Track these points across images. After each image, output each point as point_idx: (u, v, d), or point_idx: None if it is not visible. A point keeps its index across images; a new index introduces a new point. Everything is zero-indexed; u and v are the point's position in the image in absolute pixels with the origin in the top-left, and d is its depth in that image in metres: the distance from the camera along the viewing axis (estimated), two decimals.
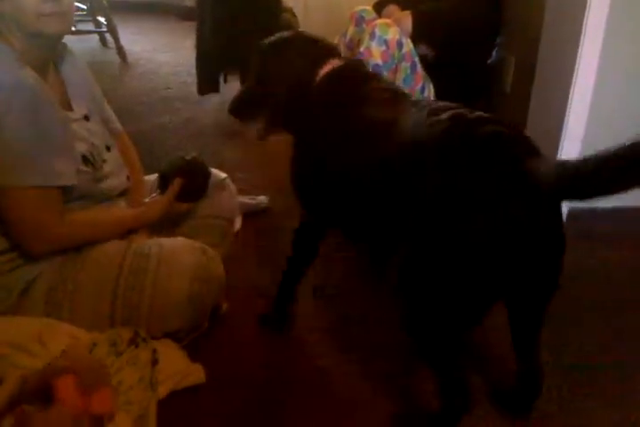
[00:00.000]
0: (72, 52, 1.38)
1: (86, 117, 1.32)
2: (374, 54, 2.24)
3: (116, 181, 1.40)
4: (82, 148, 1.27)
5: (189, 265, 1.29)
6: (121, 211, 1.42)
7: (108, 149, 1.38)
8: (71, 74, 1.35)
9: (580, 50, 1.69)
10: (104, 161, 1.33)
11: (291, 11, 3.00)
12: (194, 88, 2.91)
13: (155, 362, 1.12)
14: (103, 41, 4.15)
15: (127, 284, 1.26)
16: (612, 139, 1.86)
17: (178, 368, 1.23)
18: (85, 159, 1.27)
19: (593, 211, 1.92)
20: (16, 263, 1.25)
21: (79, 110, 1.32)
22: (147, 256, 1.28)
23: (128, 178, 1.46)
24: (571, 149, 1.80)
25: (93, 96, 1.42)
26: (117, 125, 1.54)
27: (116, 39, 3.78)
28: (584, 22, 1.65)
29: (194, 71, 2.86)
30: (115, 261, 1.28)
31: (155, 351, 1.13)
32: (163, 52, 4.04)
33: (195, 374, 1.26)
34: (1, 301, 1.24)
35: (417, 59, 2.33)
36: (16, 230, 1.21)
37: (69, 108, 1.30)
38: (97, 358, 1.08)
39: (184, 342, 1.34)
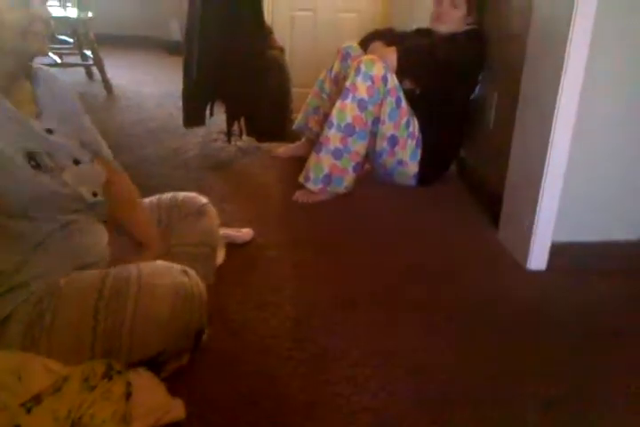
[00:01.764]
0: (56, 78, 1.40)
1: (49, 131, 1.30)
2: (360, 89, 2.28)
3: (84, 192, 1.35)
4: (31, 145, 1.24)
5: (170, 285, 1.26)
6: None
7: (77, 162, 1.34)
8: (45, 93, 1.35)
9: (560, 87, 1.72)
10: (62, 168, 1.29)
11: (280, 48, 3.05)
12: (180, 120, 2.92)
13: (129, 395, 1.09)
14: (89, 74, 4.18)
15: (108, 308, 1.22)
16: (594, 176, 1.91)
17: (158, 403, 1.19)
18: (31, 155, 1.23)
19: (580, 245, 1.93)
20: None
21: (45, 123, 1.31)
22: (126, 279, 1.26)
23: (95, 194, 1.41)
24: (553, 184, 1.82)
25: (69, 119, 1.40)
26: (110, 158, 1.54)
27: (102, 72, 3.81)
28: (565, 59, 1.69)
29: (180, 104, 2.88)
30: (94, 287, 1.25)
31: (129, 384, 1.10)
32: (149, 85, 4.07)
33: (175, 410, 1.23)
34: None
35: (401, 94, 2.37)
36: None
37: (36, 118, 1.30)
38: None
39: (167, 368, 1.31)
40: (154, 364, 1.29)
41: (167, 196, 1.67)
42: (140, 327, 1.23)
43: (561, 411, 1.35)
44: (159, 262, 1.36)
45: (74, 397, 1.06)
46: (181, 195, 1.67)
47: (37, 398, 1.04)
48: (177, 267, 1.33)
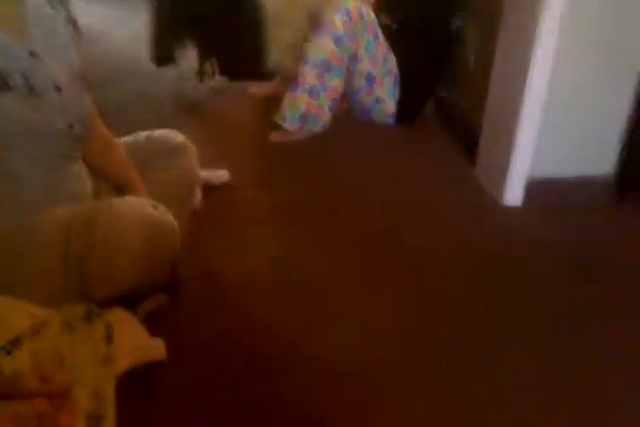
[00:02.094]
0: (44, 5, 1.31)
1: (32, 54, 1.22)
2: (336, 24, 2.21)
3: (58, 121, 1.29)
4: (4, 62, 1.15)
5: (139, 215, 1.25)
6: None
7: (58, 89, 1.27)
8: (34, 17, 1.26)
9: (542, 15, 1.67)
10: (40, 93, 1.21)
11: None
12: (148, 61, 2.82)
13: (109, 337, 1.08)
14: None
15: (78, 235, 1.21)
16: (572, 110, 1.89)
17: (137, 343, 1.20)
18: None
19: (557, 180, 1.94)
20: None
21: (29, 46, 1.22)
22: (97, 209, 1.25)
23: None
24: (531, 117, 1.81)
25: (59, 51, 1.33)
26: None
27: (68, 10, 3.64)
28: None
29: (147, 44, 2.77)
30: (62, 223, 1.24)
31: (109, 326, 1.09)
32: (117, 23, 3.91)
33: (156, 349, 1.24)
34: None
35: (378, 30, 2.30)
36: None
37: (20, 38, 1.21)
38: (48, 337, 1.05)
39: (145, 307, 1.32)
40: (132, 301, 1.29)
41: (143, 134, 1.63)
42: (110, 259, 1.21)
43: (542, 345, 1.38)
44: (128, 197, 1.35)
45: (53, 339, 1.06)
46: (157, 133, 1.62)
47: (17, 341, 1.03)
48: (147, 201, 1.32)
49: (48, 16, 1.32)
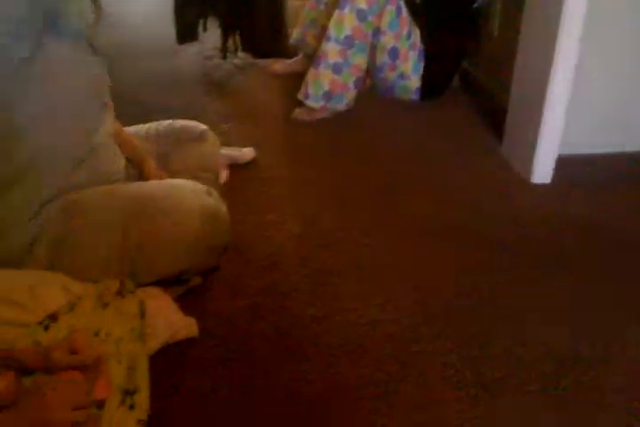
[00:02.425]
0: None
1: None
2: None
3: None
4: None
5: (198, 204, 1.28)
6: None
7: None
8: None
9: None
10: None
11: None
12: (171, 38, 2.81)
13: (142, 314, 1.11)
14: None
15: (135, 223, 1.23)
16: (602, 85, 1.84)
17: (171, 321, 1.22)
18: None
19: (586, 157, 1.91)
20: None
21: None
22: (152, 197, 1.27)
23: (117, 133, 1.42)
24: (560, 93, 1.77)
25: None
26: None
27: None
28: None
29: (169, 21, 2.76)
30: (116, 203, 1.26)
31: (142, 303, 1.12)
32: (138, 1, 3.89)
33: (188, 327, 1.26)
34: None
35: (402, 2, 2.26)
36: None
37: None
38: (84, 313, 1.07)
39: (183, 288, 1.34)
40: (176, 282, 1.31)
41: (165, 123, 1.65)
42: (167, 244, 1.24)
43: (560, 323, 1.38)
44: (184, 182, 1.36)
45: (88, 314, 1.08)
46: (179, 122, 1.65)
47: (53, 317, 1.05)
48: (201, 187, 1.34)
49: None
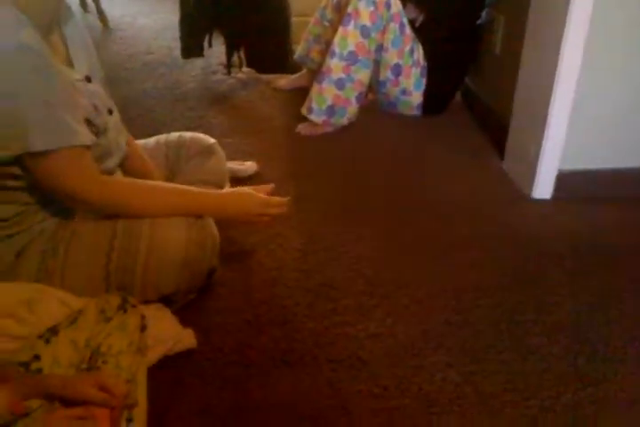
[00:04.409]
0: (74, 14, 1.32)
1: (88, 78, 1.27)
2: (362, 15, 2.20)
3: (119, 152, 1.36)
4: (85, 111, 1.21)
5: (184, 229, 1.28)
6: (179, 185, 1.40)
7: (110, 112, 1.34)
8: (73, 35, 1.29)
9: (570, 7, 1.65)
10: (106, 127, 1.28)
11: None
12: (177, 52, 2.84)
13: (143, 328, 1.11)
14: (83, 5, 4.03)
15: (121, 247, 1.25)
16: (603, 101, 1.86)
17: (169, 334, 1.23)
18: (89, 122, 1.21)
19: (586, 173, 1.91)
20: (13, 230, 1.24)
21: (81, 71, 1.26)
22: (140, 221, 1.27)
23: (127, 144, 1.43)
24: (561, 109, 1.79)
25: (93, 58, 1.36)
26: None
27: (97, 3, 3.68)
28: None
29: (176, 35, 2.79)
30: (107, 226, 1.27)
31: (143, 317, 1.12)
32: (144, 16, 3.94)
33: (186, 339, 1.26)
34: None
35: (405, 19, 2.29)
36: (54, 195, 1.22)
37: (71, 67, 1.25)
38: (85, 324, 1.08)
39: (178, 304, 1.34)
40: (165, 300, 1.31)
41: (174, 135, 1.68)
42: (152, 271, 1.25)
43: (562, 336, 1.38)
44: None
45: (90, 327, 1.09)
46: (188, 134, 1.67)
47: (54, 330, 1.06)
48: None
49: (79, 24, 1.33)
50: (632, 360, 1.31)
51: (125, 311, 1.12)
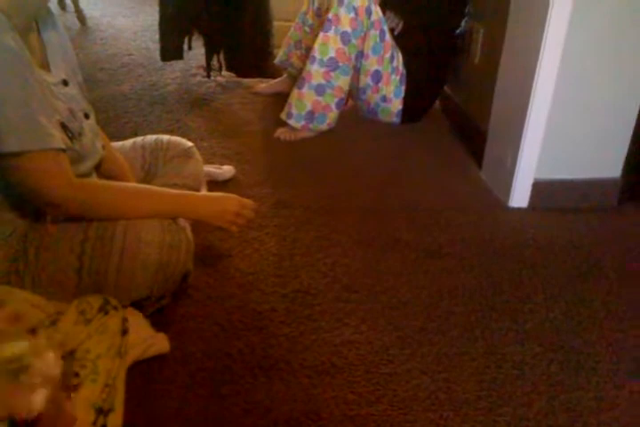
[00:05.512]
0: (54, 16, 1.30)
1: (64, 82, 1.25)
2: (343, 21, 2.21)
3: (95, 156, 1.34)
4: (60, 115, 1.19)
5: (158, 231, 1.27)
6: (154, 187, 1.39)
7: (87, 116, 1.32)
8: (52, 37, 1.27)
9: (548, 20, 1.67)
10: (81, 131, 1.26)
11: None
12: (156, 54, 2.82)
13: (125, 331, 1.09)
14: (62, 4, 3.99)
15: (94, 250, 1.23)
16: (578, 113, 1.87)
17: (141, 338, 1.21)
18: (64, 126, 1.19)
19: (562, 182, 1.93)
20: None
21: (58, 74, 1.24)
22: (113, 223, 1.26)
23: (103, 147, 1.41)
24: (537, 120, 1.81)
25: (72, 61, 1.35)
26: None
27: (75, 2, 3.64)
28: None
29: (156, 37, 2.77)
30: (79, 228, 1.25)
31: (125, 320, 1.10)
32: (124, 16, 3.91)
33: (159, 344, 1.25)
34: None
35: (386, 27, 2.30)
36: (27, 197, 1.18)
37: (48, 71, 1.23)
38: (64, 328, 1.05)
39: (150, 309, 1.33)
40: (138, 305, 1.30)
41: (151, 137, 1.66)
42: (126, 275, 1.24)
43: (535, 344, 1.39)
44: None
45: (69, 328, 1.06)
46: (166, 137, 1.66)
47: (32, 331, 1.03)
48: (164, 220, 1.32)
49: (58, 26, 1.32)
50: (605, 368, 1.32)
51: (107, 313, 1.10)
